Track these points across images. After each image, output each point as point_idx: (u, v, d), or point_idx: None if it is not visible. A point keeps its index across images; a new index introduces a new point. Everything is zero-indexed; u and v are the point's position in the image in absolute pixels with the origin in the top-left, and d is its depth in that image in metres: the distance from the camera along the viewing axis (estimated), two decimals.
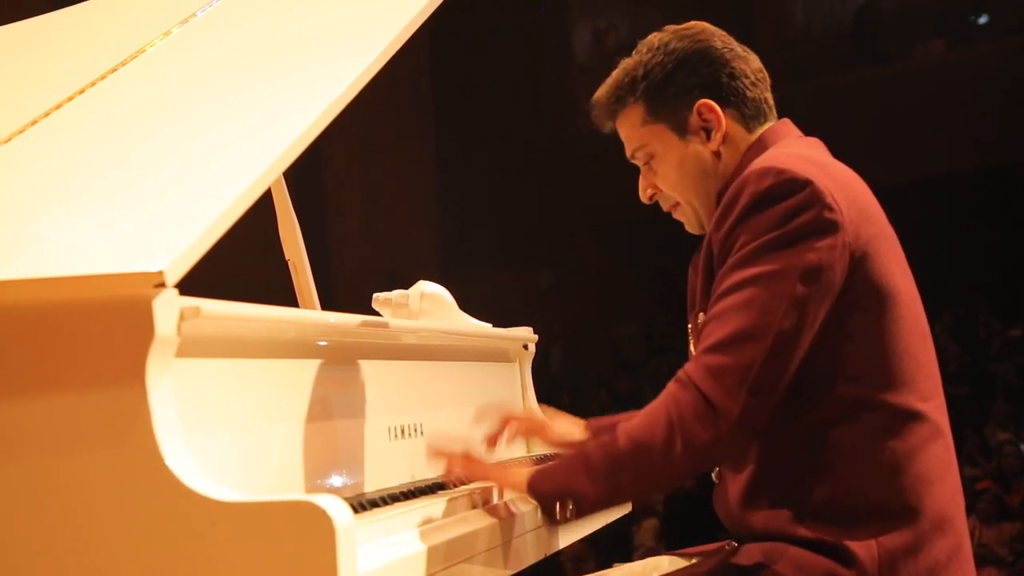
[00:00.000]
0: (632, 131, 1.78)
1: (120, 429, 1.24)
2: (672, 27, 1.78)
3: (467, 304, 2.42)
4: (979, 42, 10.43)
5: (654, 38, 1.77)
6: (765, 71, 1.78)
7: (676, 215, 1.82)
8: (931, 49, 10.72)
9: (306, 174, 10.22)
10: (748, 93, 1.74)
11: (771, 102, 1.77)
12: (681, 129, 1.74)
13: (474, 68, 11.61)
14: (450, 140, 12.11)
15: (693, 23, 1.78)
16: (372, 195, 12.02)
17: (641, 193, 1.82)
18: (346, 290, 2.85)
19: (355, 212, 11.94)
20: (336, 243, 11.44)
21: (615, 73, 1.79)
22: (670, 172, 1.76)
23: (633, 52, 1.78)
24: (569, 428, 1.89)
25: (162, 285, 1.24)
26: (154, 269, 1.24)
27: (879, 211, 1.67)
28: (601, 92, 1.80)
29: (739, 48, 1.76)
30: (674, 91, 1.73)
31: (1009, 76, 9.53)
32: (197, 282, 1.41)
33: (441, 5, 2.03)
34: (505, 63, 11.50)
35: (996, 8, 10.70)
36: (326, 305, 2.33)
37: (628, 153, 1.81)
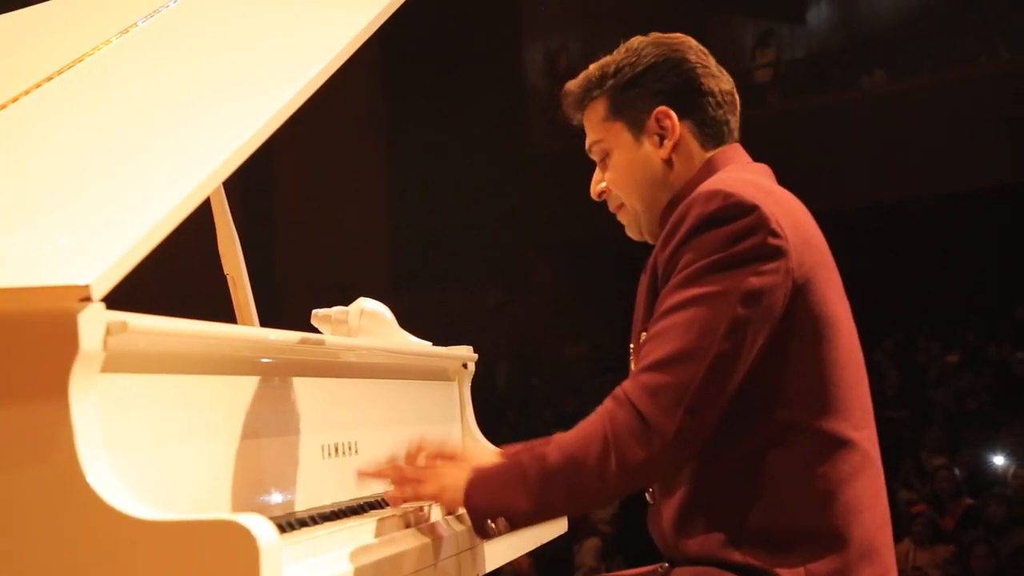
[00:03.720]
0: (593, 125, 1.81)
1: (41, 444, 1.22)
2: (656, 33, 1.81)
3: (415, 322, 2.41)
4: (921, 74, 10.65)
5: (635, 40, 1.81)
6: (736, 95, 1.80)
7: (619, 216, 1.84)
8: (875, 79, 10.92)
9: (256, 190, 10.16)
10: (710, 111, 1.76)
11: (733, 126, 1.79)
12: (637, 130, 1.76)
13: (426, 86, 11.63)
14: (401, 157, 12.12)
15: (677, 34, 1.81)
16: (322, 212, 11.97)
17: (592, 188, 1.84)
18: (295, 306, 2.84)
19: (304, 229, 11.89)
20: (284, 259, 11.37)
21: (591, 67, 1.82)
22: (619, 171, 1.78)
23: (614, 51, 1.81)
24: (484, 456, 1.88)
25: (88, 299, 1.22)
26: (80, 283, 1.22)
27: (821, 240, 1.69)
28: (573, 82, 1.83)
29: (714, 67, 1.79)
30: (638, 92, 1.76)
31: (952, 106, 9.73)
32: (137, 297, 1.40)
33: (389, 22, 2.04)
34: (457, 82, 11.54)
35: (937, 41, 10.93)
36: (272, 321, 2.31)
37: (587, 146, 1.84)
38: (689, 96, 1.76)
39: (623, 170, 1.78)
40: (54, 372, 1.22)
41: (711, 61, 1.79)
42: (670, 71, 1.76)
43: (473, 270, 11.80)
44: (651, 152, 1.76)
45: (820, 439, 1.62)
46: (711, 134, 1.77)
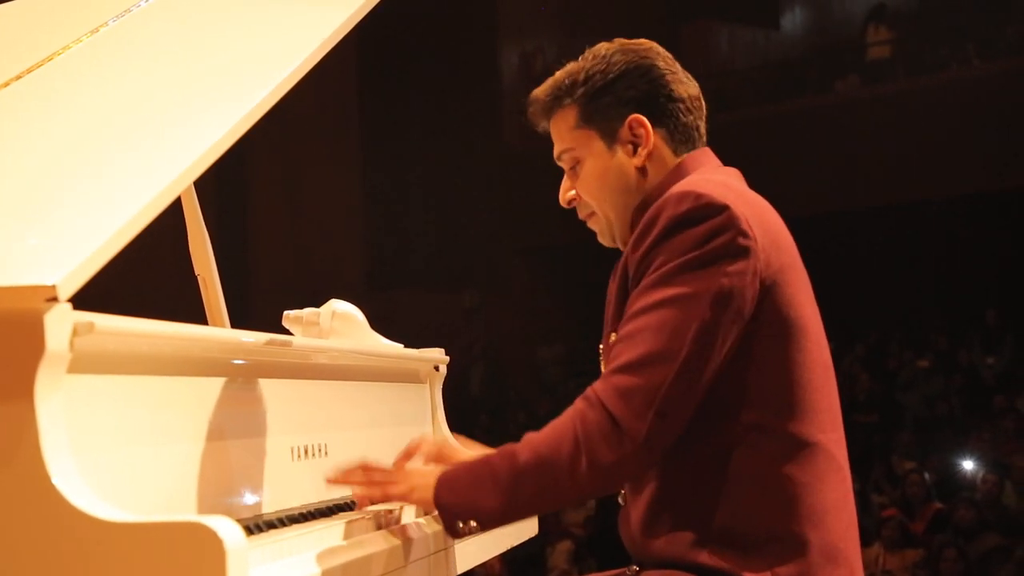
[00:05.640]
0: (563, 133, 1.80)
1: (6, 445, 1.21)
2: (621, 40, 1.81)
3: (389, 324, 2.40)
4: (895, 79, 10.73)
5: (601, 47, 1.80)
6: (702, 100, 1.81)
7: (590, 224, 1.84)
8: (849, 84, 10.99)
9: (229, 191, 10.11)
10: (681, 117, 1.76)
11: (703, 131, 1.80)
12: (610, 138, 1.76)
13: (402, 88, 11.61)
14: (375, 159, 12.08)
15: (642, 40, 1.81)
16: (295, 213, 11.93)
17: (561, 196, 1.83)
18: (267, 307, 2.83)
19: (277, 230, 11.84)
20: (256, 261, 11.32)
21: (558, 74, 1.80)
22: (592, 180, 1.78)
23: (579, 58, 1.80)
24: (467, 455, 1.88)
25: (54, 299, 1.21)
26: (47, 283, 1.21)
27: (791, 242, 1.70)
28: (540, 90, 1.81)
29: (681, 73, 1.79)
30: (610, 100, 1.75)
31: (924, 113, 9.80)
32: (106, 297, 1.39)
33: (364, 23, 2.03)
34: (433, 83, 11.52)
35: (910, 47, 11.03)
36: (243, 322, 2.30)
37: (556, 154, 1.83)
38: (660, 103, 1.76)
39: (596, 179, 1.78)
40: (20, 373, 1.21)
41: (678, 67, 1.80)
42: (640, 78, 1.76)
43: (447, 272, 11.79)
44: (624, 160, 1.76)
45: (786, 441, 1.63)
46: (682, 139, 1.77)
